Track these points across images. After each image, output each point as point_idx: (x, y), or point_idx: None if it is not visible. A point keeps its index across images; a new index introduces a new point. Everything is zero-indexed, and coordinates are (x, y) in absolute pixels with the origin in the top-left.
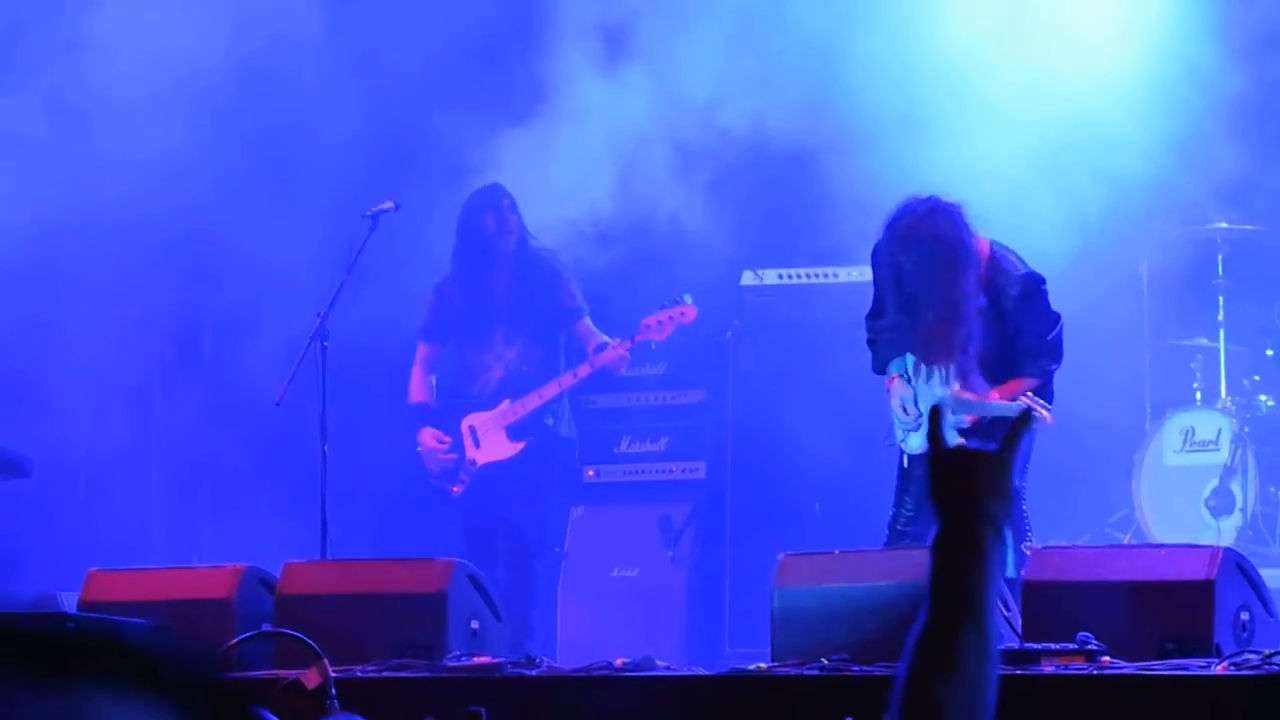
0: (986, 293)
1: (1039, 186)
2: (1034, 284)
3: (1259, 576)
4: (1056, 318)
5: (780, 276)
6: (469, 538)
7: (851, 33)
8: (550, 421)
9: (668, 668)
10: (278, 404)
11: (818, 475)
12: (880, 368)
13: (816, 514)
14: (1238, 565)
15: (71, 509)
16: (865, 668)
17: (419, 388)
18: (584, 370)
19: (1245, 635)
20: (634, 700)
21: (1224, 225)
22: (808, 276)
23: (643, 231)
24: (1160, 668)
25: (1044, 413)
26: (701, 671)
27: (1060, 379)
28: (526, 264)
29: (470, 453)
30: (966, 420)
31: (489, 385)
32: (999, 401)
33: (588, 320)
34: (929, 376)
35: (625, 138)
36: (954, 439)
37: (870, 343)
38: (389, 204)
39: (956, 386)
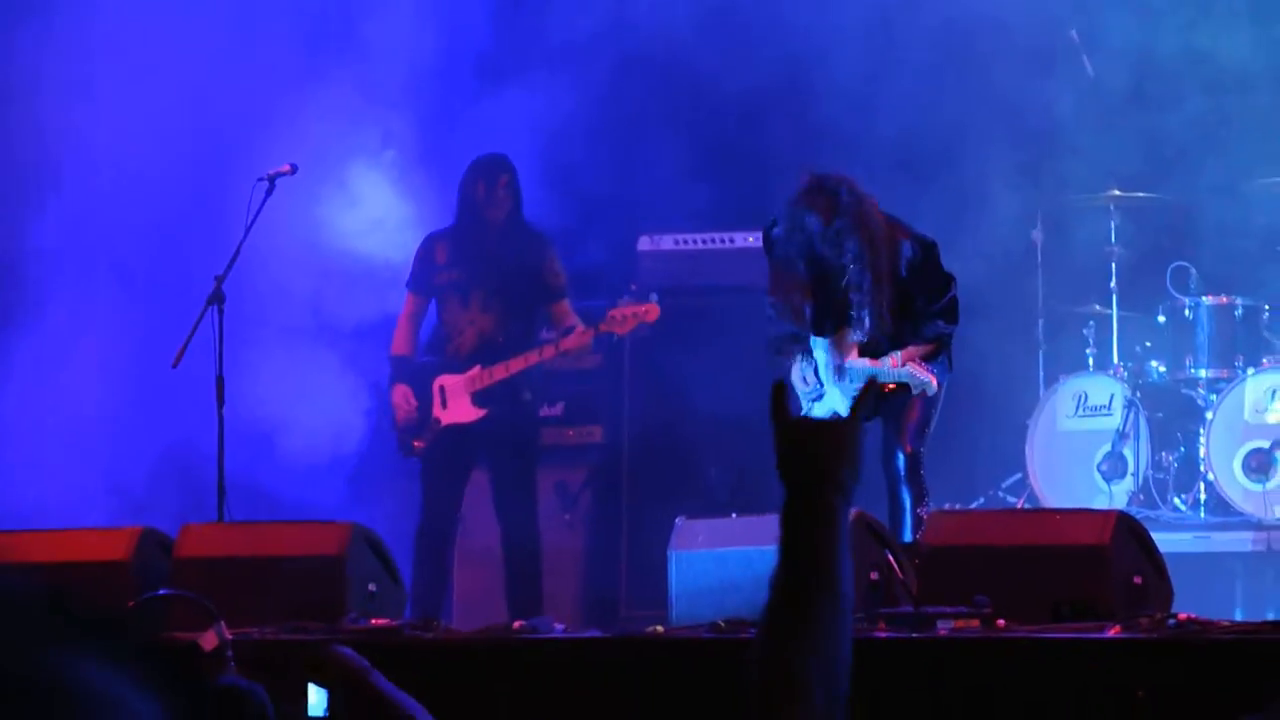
0: (885, 259)
1: (938, 153)
2: (926, 249)
3: (1151, 540)
4: (950, 279)
5: (676, 242)
6: (434, 493)
7: None
8: (528, 396)
9: (564, 630)
10: (174, 366)
11: (714, 440)
12: (776, 345)
13: (712, 479)
14: (1131, 529)
15: None
16: None
17: (401, 339)
18: (549, 351)
19: (1138, 599)
20: (531, 663)
21: (1117, 193)
22: (704, 242)
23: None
24: (1055, 631)
25: (929, 378)
26: (598, 634)
27: (955, 346)
28: (515, 236)
29: (437, 410)
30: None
31: (463, 348)
32: (895, 369)
33: (567, 302)
34: (830, 345)
35: None
36: (844, 407)
37: (770, 319)
38: (287, 166)
39: (855, 353)
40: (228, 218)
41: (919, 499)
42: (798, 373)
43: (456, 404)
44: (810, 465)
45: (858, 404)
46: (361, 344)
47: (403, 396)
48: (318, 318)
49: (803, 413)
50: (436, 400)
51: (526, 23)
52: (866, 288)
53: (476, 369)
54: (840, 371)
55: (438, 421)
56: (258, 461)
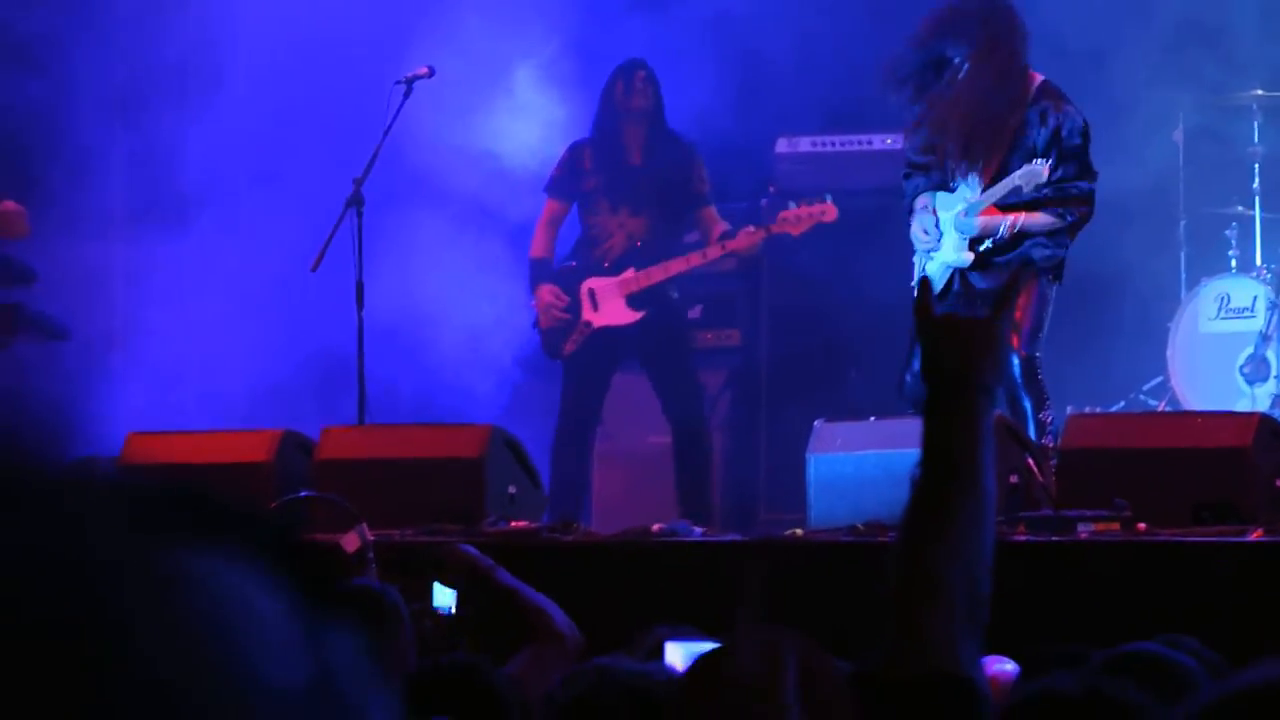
0: (1036, 119)
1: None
2: (1084, 128)
3: None
4: (1095, 174)
5: (814, 144)
6: (577, 396)
7: None
8: (675, 295)
9: (703, 533)
10: (313, 270)
11: (852, 343)
12: (909, 200)
13: (851, 381)
14: (1273, 432)
15: (108, 372)
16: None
17: (541, 242)
18: (714, 252)
19: None
20: (670, 565)
21: (1260, 92)
22: (841, 144)
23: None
24: (1196, 535)
25: (1052, 220)
26: (736, 537)
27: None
28: (660, 140)
29: (587, 314)
30: (975, 229)
31: (612, 252)
32: (1009, 223)
33: (713, 208)
34: (964, 179)
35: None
36: (963, 254)
37: (905, 176)
38: (424, 70)
39: (981, 195)
40: (375, 120)
41: (1039, 404)
42: (918, 225)
43: (610, 306)
44: (954, 363)
45: (1001, 302)
46: (511, 247)
47: (553, 295)
48: (463, 221)
49: (918, 267)
50: (586, 303)
51: None
52: (1010, 112)
53: (630, 271)
54: (967, 214)
55: (589, 324)
56: (403, 364)
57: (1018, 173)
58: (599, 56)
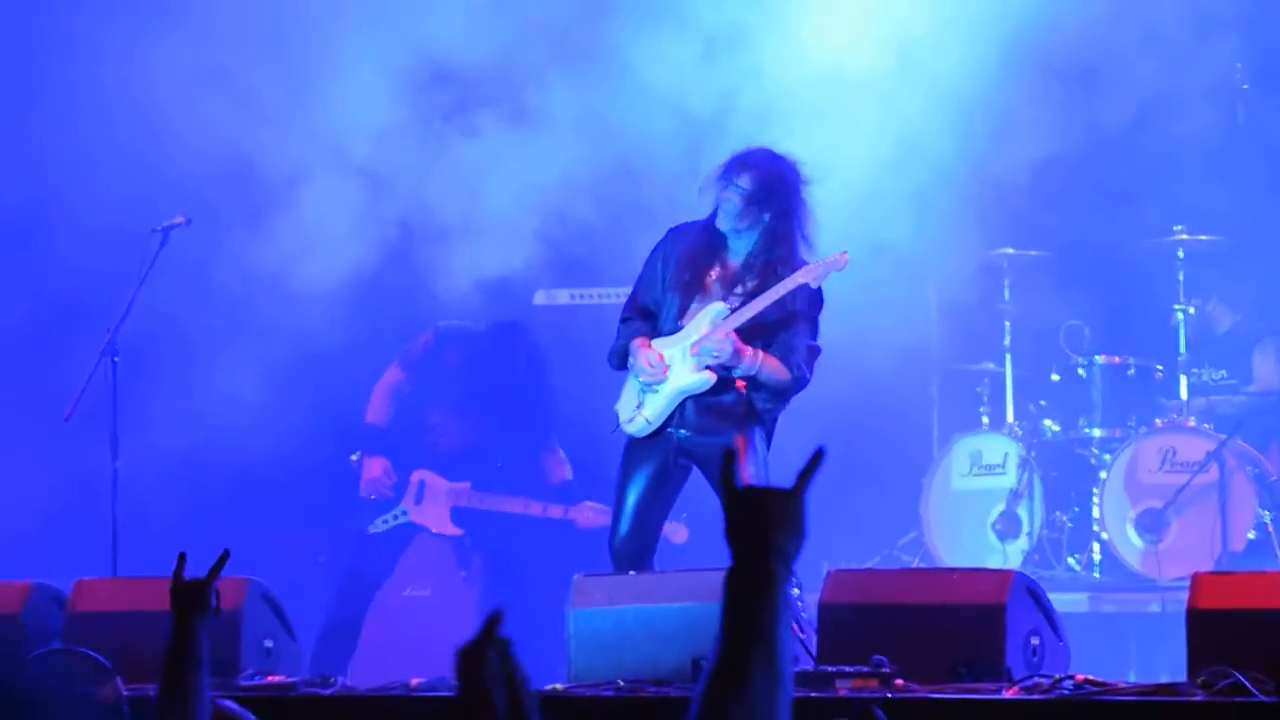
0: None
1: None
2: (820, 296)
3: (1048, 600)
4: (819, 348)
5: (572, 296)
6: (361, 567)
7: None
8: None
9: None
10: (66, 420)
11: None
12: (619, 357)
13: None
14: (1028, 589)
15: None
16: (661, 689)
17: (380, 408)
18: (555, 511)
19: (1035, 659)
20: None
21: (1010, 251)
22: (600, 296)
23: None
24: (952, 691)
25: (786, 376)
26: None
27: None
28: (535, 364)
29: (408, 502)
30: (717, 358)
31: (444, 448)
32: (754, 363)
33: (557, 448)
34: (707, 313)
35: None
36: (703, 366)
37: (625, 319)
38: (180, 218)
39: (729, 339)
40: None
41: None
42: (642, 358)
43: (433, 509)
44: (754, 532)
45: (804, 475)
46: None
47: (382, 470)
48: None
49: (624, 424)
50: (412, 491)
51: None
52: (789, 249)
53: (467, 485)
54: (703, 348)
55: (405, 513)
56: (151, 515)
57: (763, 296)
58: None
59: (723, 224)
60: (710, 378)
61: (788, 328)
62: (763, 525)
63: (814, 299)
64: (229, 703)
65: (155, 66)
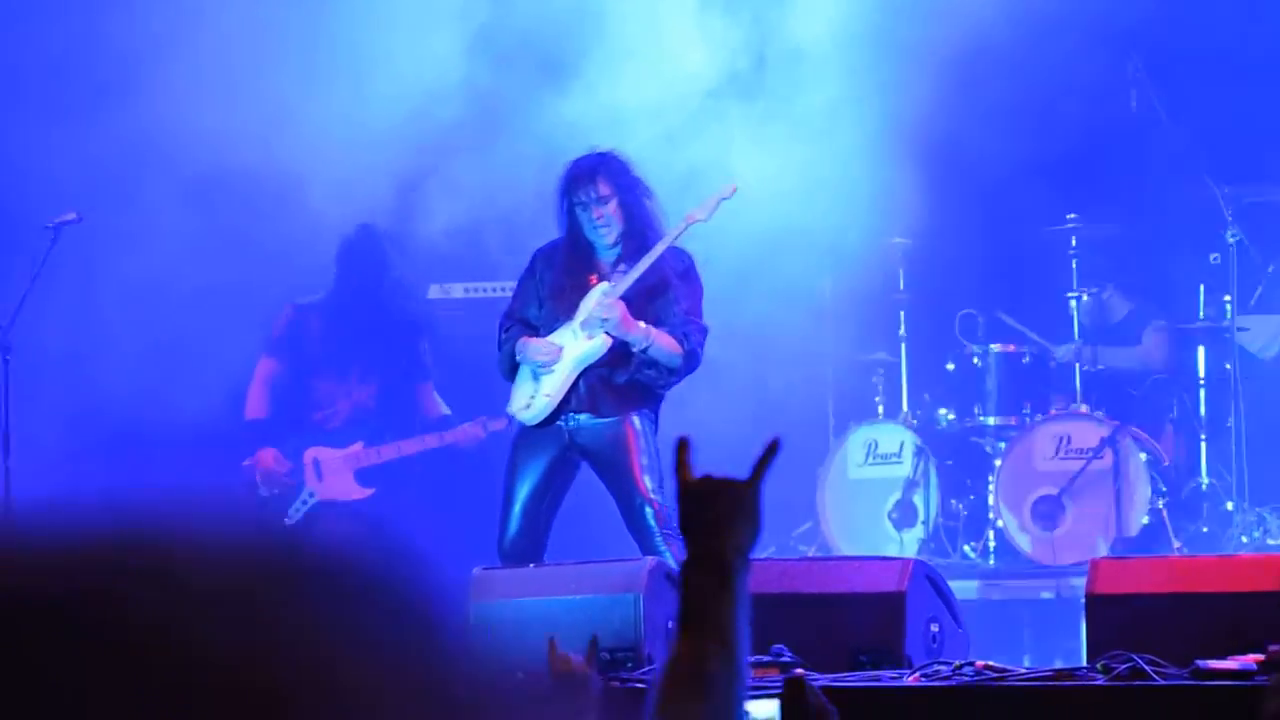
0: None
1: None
2: (692, 261)
3: (948, 588)
4: (707, 328)
5: (467, 290)
6: None
7: None
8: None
9: None
10: None
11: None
12: (509, 363)
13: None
14: (928, 577)
15: None
16: None
17: (258, 403)
18: (432, 441)
19: (935, 646)
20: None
21: (904, 240)
22: (494, 290)
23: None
24: (854, 679)
25: (679, 351)
26: None
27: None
28: (395, 310)
29: (311, 483)
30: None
31: (335, 418)
32: (645, 335)
33: (430, 384)
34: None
35: None
36: (594, 335)
37: (506, 329)
38: (72, 215)
39: (618, 304)
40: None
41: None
42: (532, 351)
43: (336, 480)
44: (710, 524)
45: (759, 466)
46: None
47: (275, 460)
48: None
49: (519, 409)
50: (309, 472)
51: None
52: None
53: (359, 445)
54: (592, 318)
55: (313, 494)
56: None
57: (645, 258)
58: None
59: (592, 236)
60: (606, 341)
61: (670, 303)
62: (718, 517)
63: (692, 279)
64: None
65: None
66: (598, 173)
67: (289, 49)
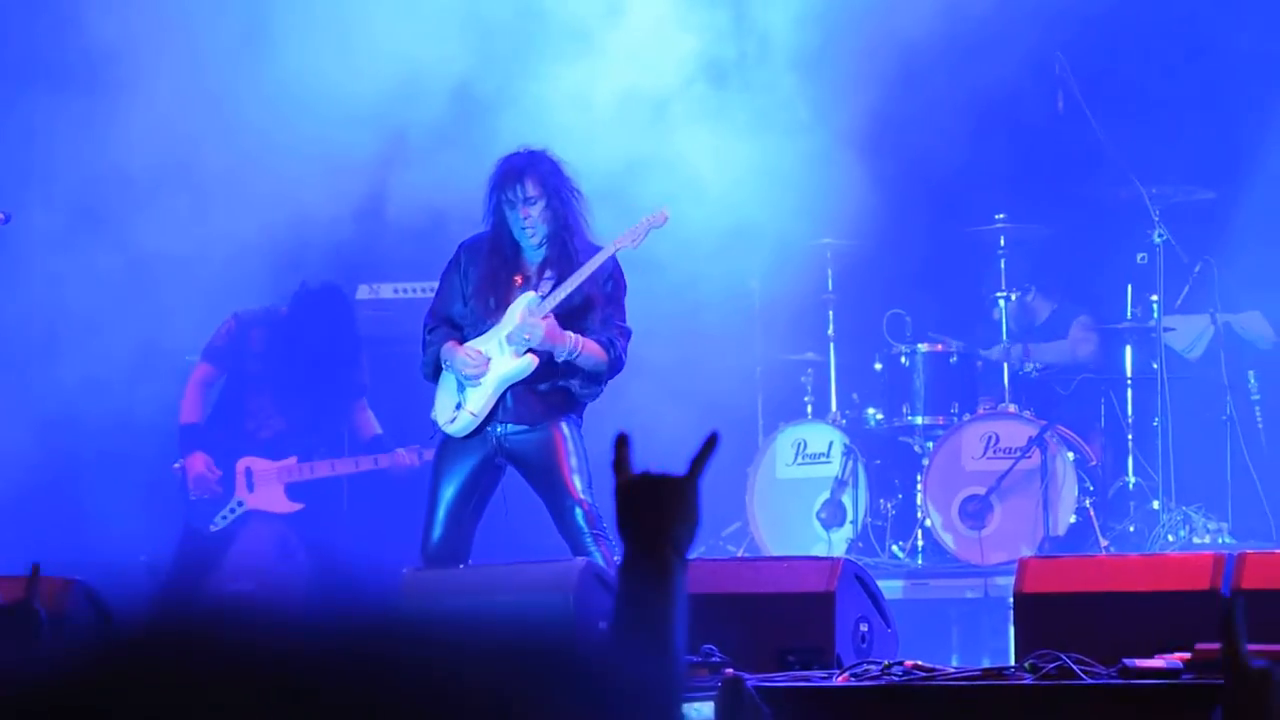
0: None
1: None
2: (622, 278)
3: (877, 587)
4: (630, 330)
5: (396, 290)
6: (179, 575)
7: None
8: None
9: None
10: None
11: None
12: (432, 367)
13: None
14: (857, 576)
15: None
16: None
17: (193, 407)
18: (366, 464)
19: (865, 646)
20: None
21: (832, 240)
22: (425, 290)
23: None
24: (782, 679)
25: (604, 358)
26: None
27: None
28: (340, 328)
29: (241, 492)
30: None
31: (267, 429)
32: (574, 347)
33: (364, 400)
34: (527, 305)
35: None
36: (522, 352)
37: (430, 329)
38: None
39: (547, 316)
40: None
41: (610, 548)
42: (462, 356)
43: (267, 491)
44: (648, 521)
45: (698, 461)
46: None
47: (205, 466)
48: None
49: (458, 402)
50: (241, 481)
51: None
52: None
53: (293, 460)
54: (518, 333)
55: (241, 504)
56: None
57: (573, 277)
58: None
59: (519, 236)
60: (533, 360)
61: (594, 310)
62: (656, 513)
63: (617, 281)
64: None
65: None
66: (526, 173)
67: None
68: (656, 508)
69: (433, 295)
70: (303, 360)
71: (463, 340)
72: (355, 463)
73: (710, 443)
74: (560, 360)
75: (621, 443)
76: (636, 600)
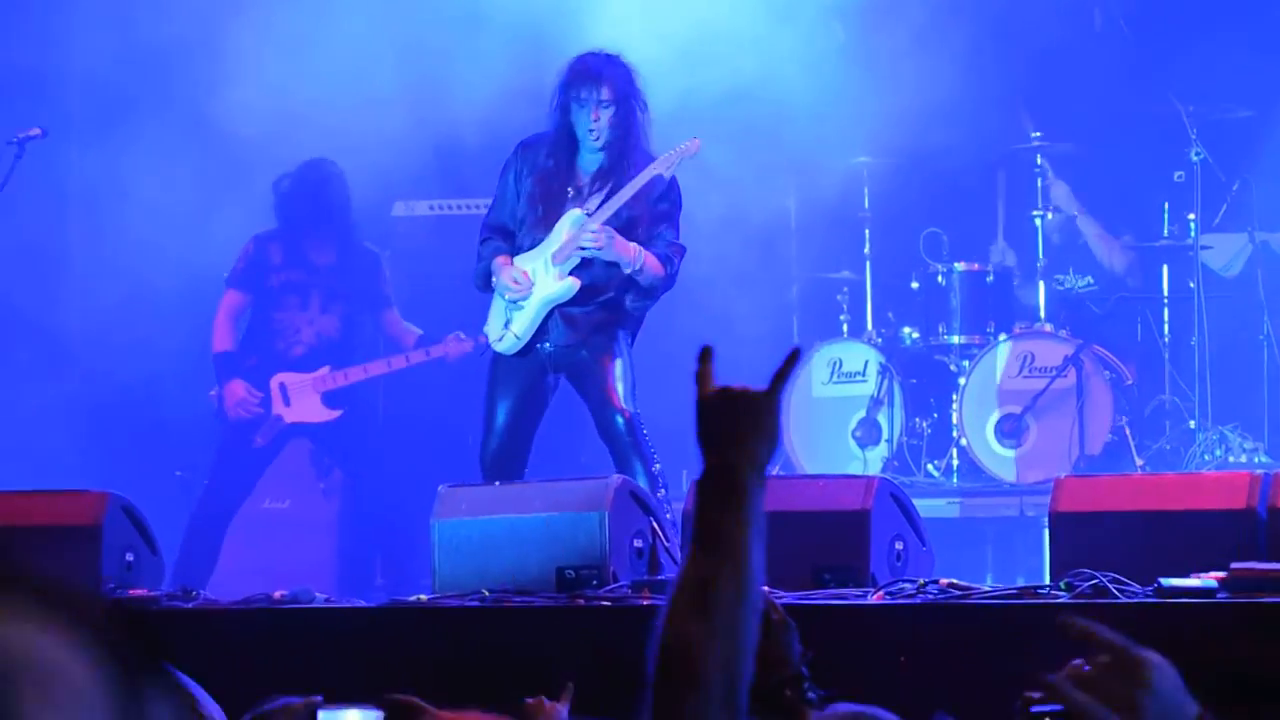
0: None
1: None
2: (677, 192)
3: (912, 506)
4: (684, 247)
5: (431, 207)
6: (222, 472)
7: None
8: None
9: (327, 600)
10: None
11: (470, 407)
12: (483, 279)
13: (470, 445)
14: (892, 495)
15: None
16: (527, 599)
17: (225, 335)
18: (417, 356)
19: (900, 564)
20: (294, 631)
21: (868, 159)
22: (459, 207)
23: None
24: (818, 597)
25: (661, 271)
26: (361, 603)
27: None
28: (350, 238)
29: (278, 408)
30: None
31: (297, 347)
32: (634, 258)
33: (395, 310)
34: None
35: None
36: (566, 274)
37: (484, 239)
38: (36, 130)
39: (602, 231)
40: None
41: (648, 459)
42: (510, 274)
43: (303, 402)
44: (730, 436)
45: (779, 377)
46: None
47: (245, 390)
48: None
49: (506, 319)
50: (276, 398)
51: None
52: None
53: (326, 369)
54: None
55: (279, 419)
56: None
57: (621, 192)
58: None
59: (581, 135)
60: (574, 283)
61: (648, 224)
62: (735, 429)
63: (670, 195)
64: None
65: None
66: (603, 76)
67: None
68: (736, 423)
69: (472, 210)
70: (321, 274)
71: (515, 249)
72: (388, 363)
73: (792, 357)
74: (626, 272)
75: (705, 356)
76: (711, 516)
